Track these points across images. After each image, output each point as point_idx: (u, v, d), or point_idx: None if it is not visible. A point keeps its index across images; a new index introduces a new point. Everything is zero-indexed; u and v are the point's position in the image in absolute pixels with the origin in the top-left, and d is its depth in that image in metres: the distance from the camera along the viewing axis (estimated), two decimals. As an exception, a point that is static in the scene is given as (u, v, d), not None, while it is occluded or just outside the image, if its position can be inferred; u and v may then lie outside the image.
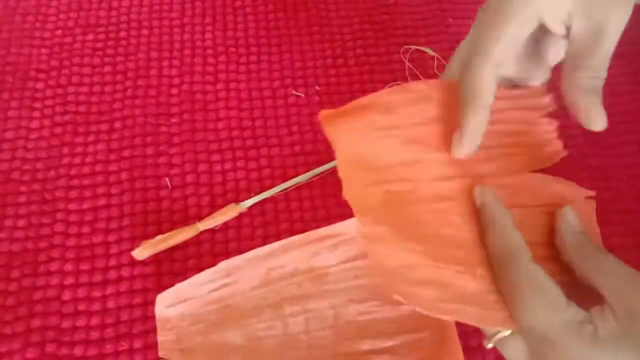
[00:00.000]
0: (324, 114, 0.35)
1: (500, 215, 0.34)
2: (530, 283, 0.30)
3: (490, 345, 0.33)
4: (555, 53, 0.38)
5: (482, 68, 0.34)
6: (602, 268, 0.31)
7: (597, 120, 0.36)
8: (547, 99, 0.44)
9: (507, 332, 0.31)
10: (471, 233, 0.35)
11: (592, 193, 0.41)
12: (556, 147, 0.43)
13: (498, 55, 0.34)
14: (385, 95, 0.36)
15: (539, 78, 0.39)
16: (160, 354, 0.40)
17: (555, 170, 0.48)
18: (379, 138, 0.36)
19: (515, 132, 0.41)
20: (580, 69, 0.35)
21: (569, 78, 0.35)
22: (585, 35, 0.35)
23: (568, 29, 0.35)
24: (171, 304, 0.41)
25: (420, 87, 0.37)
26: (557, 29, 0.35)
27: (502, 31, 0.34)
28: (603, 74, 0.35)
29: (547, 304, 0.30)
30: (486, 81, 0.34)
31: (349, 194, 0.34)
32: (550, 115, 0.44)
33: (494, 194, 0.35)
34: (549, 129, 0.43)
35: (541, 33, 0.36)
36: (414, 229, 0.34)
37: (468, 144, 0.35)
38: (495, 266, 0.32)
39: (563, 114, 0.52)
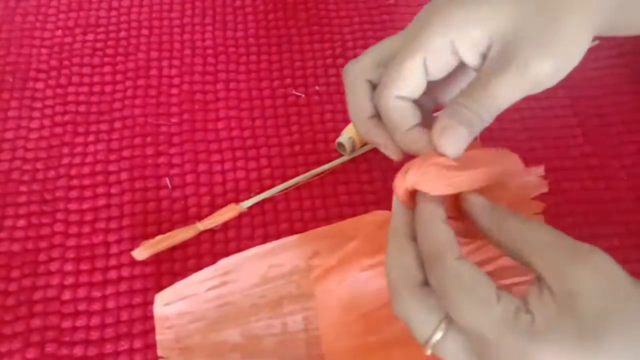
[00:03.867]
0: (317, 275, 0.39)
1: (429, 212, 0.31)
2: (457, 282, 0.28)
3: (429, 352, 0.29)
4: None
5: (390, 98, 0.34)
6: (530, 240, 0.29)
7: (446, 143, 0.32)
8: (544, 183, 0.42)
9: (439, 335, 0.29)
10: None
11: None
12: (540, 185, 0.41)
13: (405, 86, 0.34)
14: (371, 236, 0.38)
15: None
16: (159, 352, 0.40)
17: (554, 170, 0.48)
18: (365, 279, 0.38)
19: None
20: (467, 97, 0.32)
21: (451, 103, 0.33)
22: (493, 67, 0.32)
23: (483, 59, 0.33)
24: (170, 302, 0.41)
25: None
26: (470, 58, 0.33)
27: (408, 66, 0.33)
28: (486, 115, 0.32)
29: (475, 301, 0.27)
30: (399, 112, 0.34)
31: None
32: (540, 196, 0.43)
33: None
34: (536, 207, 0.41)
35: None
36: None
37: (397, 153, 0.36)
38: (426, 267, 0.30)
39: (563, 115, 0.52)
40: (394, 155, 0.36)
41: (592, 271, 0.27)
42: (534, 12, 0.32)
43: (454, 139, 0.32)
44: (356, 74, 0.36)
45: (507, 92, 0.32)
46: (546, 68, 0.31)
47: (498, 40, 0.32)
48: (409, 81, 0.33)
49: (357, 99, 0.36)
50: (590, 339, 0.25)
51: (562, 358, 0.25)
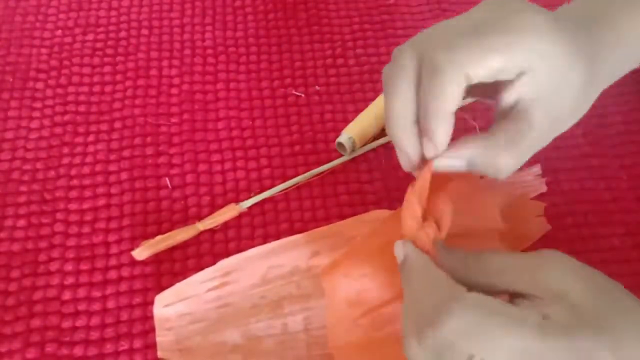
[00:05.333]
0: (324, 269, 0.38)
1: (423, 261, 0.32)
2: (485, 314, 0.27)
3: None
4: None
5: (453, 82, 0.31)
6: (498, 269, 0.30)
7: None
8: (542, 182, 0.47)
9: None
10: None
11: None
12: (541, 225, 0.44)
13: (474, 77, 0.31)
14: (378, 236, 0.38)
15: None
16: (160, 354, 0.40)
17: (555, 170, 0.48)
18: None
19: (504, 211, 0.42)
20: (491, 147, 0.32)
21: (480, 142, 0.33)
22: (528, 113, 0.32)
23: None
24: (170, 303, 0.41)
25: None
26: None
27: (488, 59, 0.31)
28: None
29: (509, 323, 0.27)
30: (455, 92, 0.31)
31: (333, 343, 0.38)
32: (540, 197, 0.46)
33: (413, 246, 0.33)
34: (537, 208, 0.45)
35: None
36: None
37: (435, 150, 0.33)
38: (432, 317, 0.28)
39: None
40: (409, 166, 0.34)
41: (564, 269, 0.29)
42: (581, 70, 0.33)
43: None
44: (412, 58, 0.32)
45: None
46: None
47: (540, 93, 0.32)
48: (487, 71, 0.31)
49: (407, 96, 0.32)
50: (604, 324, 0.27)
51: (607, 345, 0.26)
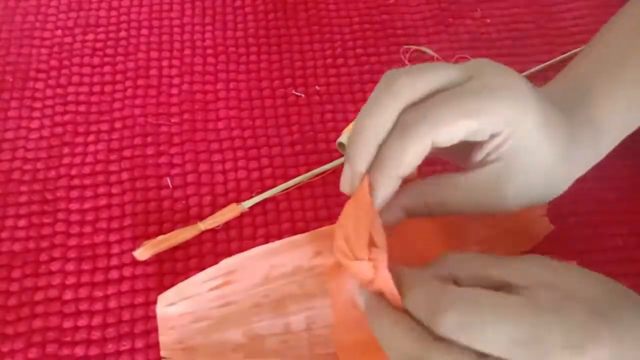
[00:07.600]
0: (328, 270, 0.39)
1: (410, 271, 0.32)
2: (480, 304, 0.28)
3: None
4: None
5: (416, 146, 0.31)
6: (475, 263, 0.31)
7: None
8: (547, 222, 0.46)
9: None
10: None
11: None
12: (544, 225, 0.45)
13: (441, 142, 0.31)
14: None
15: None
16: (162, 353, 0.40)
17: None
18: None
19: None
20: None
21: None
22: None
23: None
24: (172, 303, 0.41)
25: None
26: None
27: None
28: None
29: (506, 312, 0.27)
30: (415, 156, 0.32)
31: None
32: None
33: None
34: (540, 209, 0.45)
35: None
36: None
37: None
38: (435, 318, 0.28)
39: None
40: (347, 187, 0.35)
41: (554, 263, 0.30)
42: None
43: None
44: (404, 88, 0.32)
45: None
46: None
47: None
48: (454, 136, 0.32)
49: (386, 119, 0.32)
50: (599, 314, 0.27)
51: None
